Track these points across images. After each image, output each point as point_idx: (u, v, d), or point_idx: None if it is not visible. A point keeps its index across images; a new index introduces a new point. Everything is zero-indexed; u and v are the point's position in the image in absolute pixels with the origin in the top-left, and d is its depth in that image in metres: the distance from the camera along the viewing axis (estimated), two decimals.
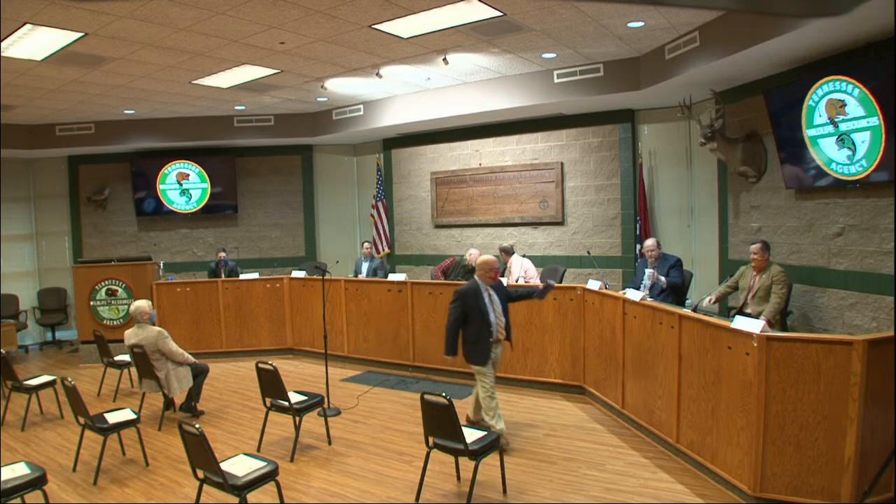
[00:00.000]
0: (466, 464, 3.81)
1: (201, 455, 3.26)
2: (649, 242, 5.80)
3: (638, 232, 7.28)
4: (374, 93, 7.89)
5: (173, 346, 5.29)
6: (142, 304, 5.43)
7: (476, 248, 7.68)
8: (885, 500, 3.21)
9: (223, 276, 8.34)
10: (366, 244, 8.54)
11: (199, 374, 5.56)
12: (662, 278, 5.56)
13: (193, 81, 6.77)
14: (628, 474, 4.12)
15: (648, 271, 5.66)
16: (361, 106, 8.49)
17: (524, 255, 7.43)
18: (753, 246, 5.21)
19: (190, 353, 5.52)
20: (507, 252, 7.17)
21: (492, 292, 4.57)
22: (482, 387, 4.53)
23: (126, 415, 4.53)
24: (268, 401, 4.75)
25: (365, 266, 8.23)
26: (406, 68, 6.63)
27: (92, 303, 7.78)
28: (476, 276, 4.62)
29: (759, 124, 5.81)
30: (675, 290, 5.63)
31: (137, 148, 9.25)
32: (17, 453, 4.83)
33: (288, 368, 7.13)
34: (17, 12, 4.43)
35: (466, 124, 8.41)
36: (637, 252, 7.20)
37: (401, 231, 9.65)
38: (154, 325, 5.46)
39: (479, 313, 4.48)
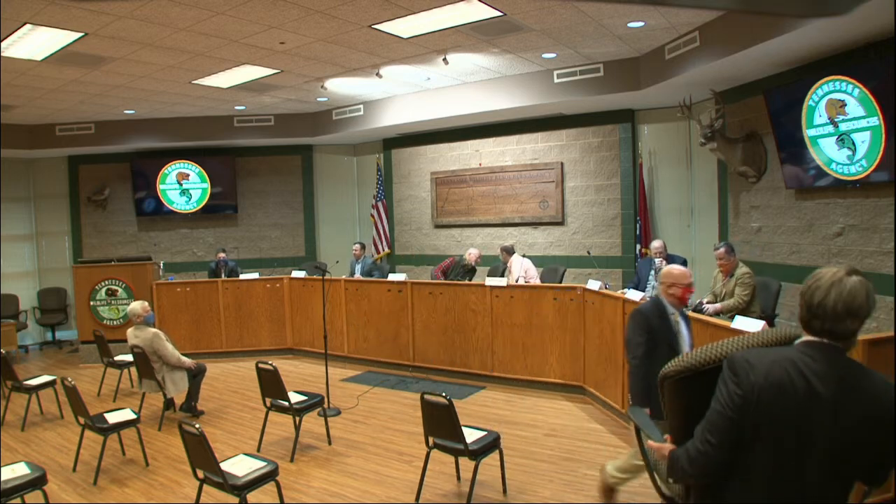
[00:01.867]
0: (466, 464, 3.81)
1: (201, 455, 3.26)
2: (656, 244, 5.91)
3: (638, 232, 7.28)
4: (374, 93, 7.89)
5: (168, 348, 5.27)
6: (135, 307, 5.43)
7: (476, 248, 7.68)
8: (884, 500, 3.20)
9: (223, 276, 8.34)
10: (355, 245, 8.45)
11: (197, 374, 5.55)
12: None
13: (193, 81, 6.77)
14: None
15: (657, 261, 5.77)
16: (361, 106, 8.48)
17: (524, 256, 7.43)
18: (717, 251, 5.19)
19: (189, 354, 5.52)
20: (508, 252, 7.17)
21: (679, 318, 3.38)
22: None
23: (126, 415, 4.53)
24: (268, 401, 4.76)
25: (357, 268, 8.21)
26: (406, 68, 6.63)
27: (92, 303, 7.78)
28: (659, 294, 3.42)
29: (759, 124, 5.81)
30: None
31: (137, 148, 9.25)
32: (17, 453, 4.83)
33: (288, 368, 7.13)
34: (17, 12, 4.43)
35: (466, 124, 8.41)
36: (637, 252, 7.21)
37: (401, 231, 9.65)
38: (152, 325, 5.46)
39: (667, 347, 3.21)
